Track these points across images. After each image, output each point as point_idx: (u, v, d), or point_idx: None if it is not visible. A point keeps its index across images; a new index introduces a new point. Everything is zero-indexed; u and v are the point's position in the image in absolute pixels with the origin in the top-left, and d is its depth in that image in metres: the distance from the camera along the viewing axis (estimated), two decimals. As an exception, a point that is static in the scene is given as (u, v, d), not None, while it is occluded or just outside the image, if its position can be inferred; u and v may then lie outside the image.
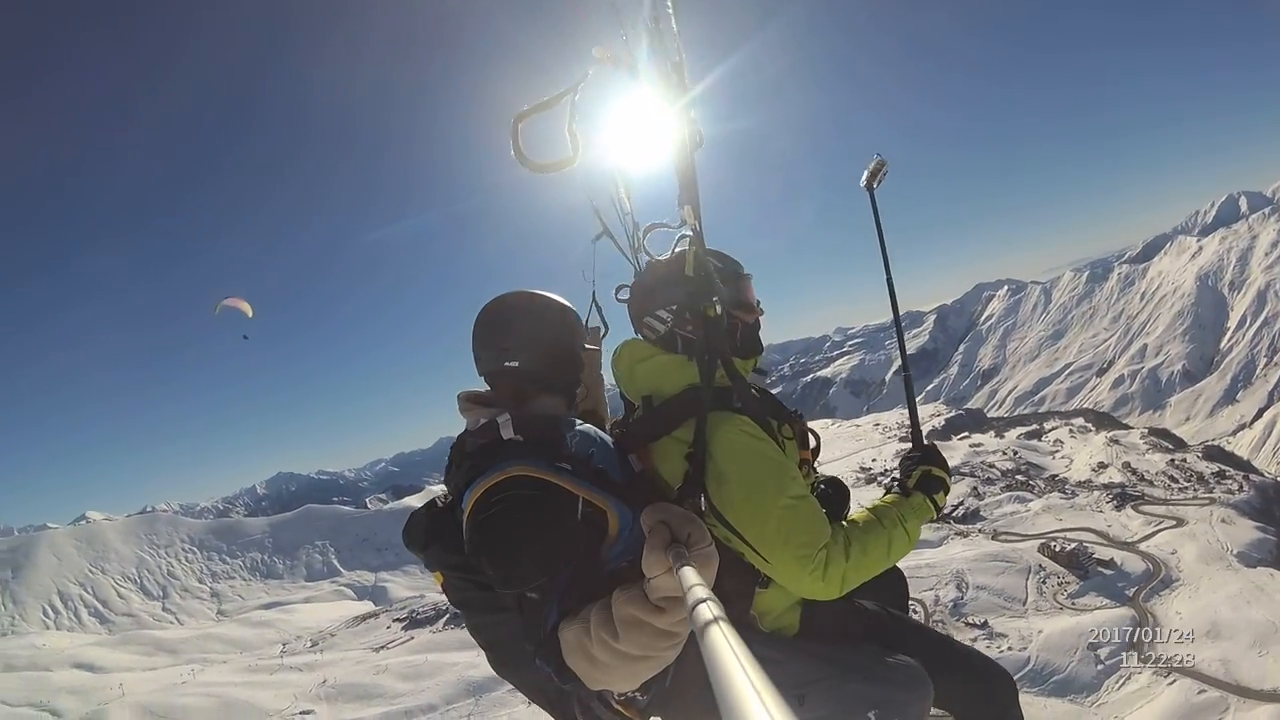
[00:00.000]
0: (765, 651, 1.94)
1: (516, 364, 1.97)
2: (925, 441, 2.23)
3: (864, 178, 2.77)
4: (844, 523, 2.00)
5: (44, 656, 61.60)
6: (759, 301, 2.25)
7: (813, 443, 2.20)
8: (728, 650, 0.57)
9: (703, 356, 2.01)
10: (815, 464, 2.21)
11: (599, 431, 2.04)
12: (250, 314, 20.11)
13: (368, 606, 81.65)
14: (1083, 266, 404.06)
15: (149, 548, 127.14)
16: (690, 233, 2.12)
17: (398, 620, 59.56)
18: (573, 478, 1.71)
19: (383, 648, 53.73)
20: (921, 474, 2.12)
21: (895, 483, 2.15)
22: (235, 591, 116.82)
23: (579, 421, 2.02)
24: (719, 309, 2.01)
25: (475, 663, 40.93)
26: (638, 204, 2.55)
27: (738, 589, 1.97)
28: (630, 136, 2.37)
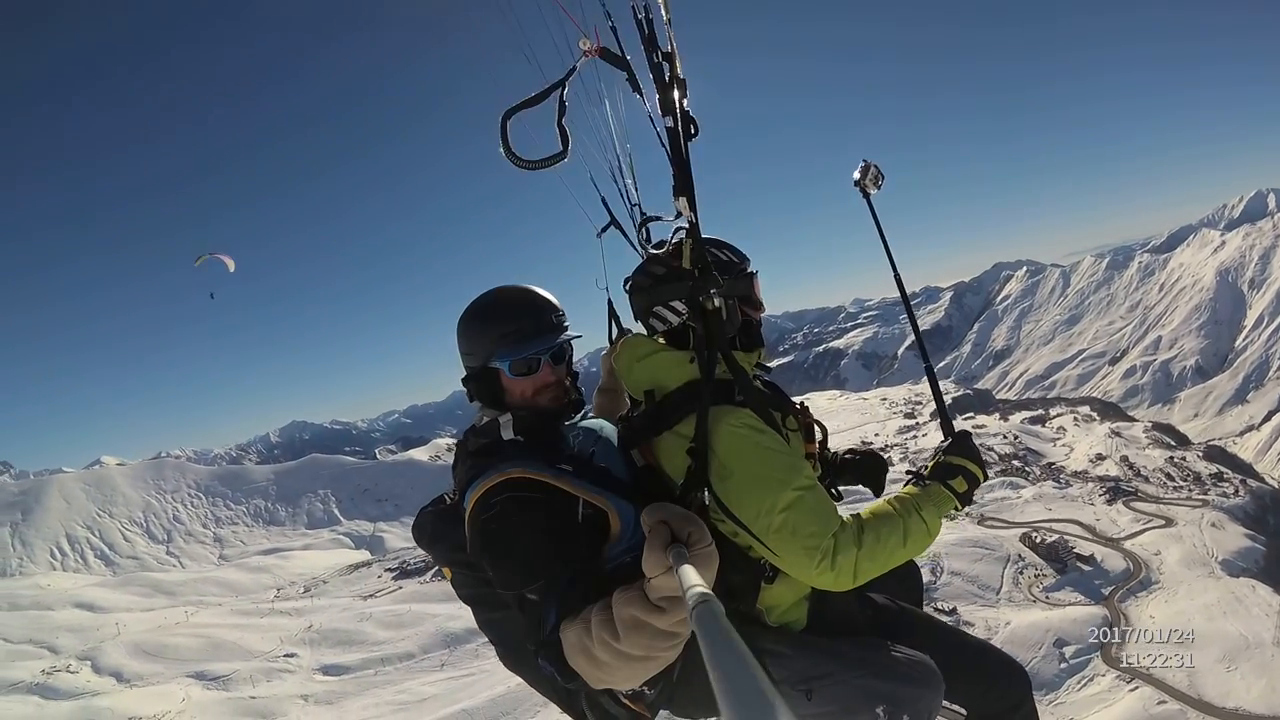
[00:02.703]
0: (771, 646, 1.97)
1: (464, 376, 1.99)
2: (956, 429, 2.15)
3: (855, 175, 2.66)
4: (859, 513, 1.95)
5: (47, 596, 63.72)
6: (762, 301, 2.22)
7: (819, 435, 2.19)
8: (727, 649, 0.56)
9: (704, 350, 2.00)
10: (821, 454, 2.20)
11: (605, 427, 2.06)
12: (232, 268, 19.94)
13: (363, 555, 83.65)
14: (1104, 252, 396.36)
15: (156, 493, 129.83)
16: (687, 224, 2.09)
17: (389, 570, 61.14)
18: (572, 478, 1.73)
19: (370, 596, 55.24)
20: (938, 462, 2.05)
21: (912, 475, 2.08)
22: (237, 537, 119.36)
23: (583, 416, 2.04)
24: (716, 302, 1.99)
25: (456, 614, 42.02)
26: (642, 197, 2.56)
27: (743, 584, 1.97)
28: (624, 130, 2.40)
